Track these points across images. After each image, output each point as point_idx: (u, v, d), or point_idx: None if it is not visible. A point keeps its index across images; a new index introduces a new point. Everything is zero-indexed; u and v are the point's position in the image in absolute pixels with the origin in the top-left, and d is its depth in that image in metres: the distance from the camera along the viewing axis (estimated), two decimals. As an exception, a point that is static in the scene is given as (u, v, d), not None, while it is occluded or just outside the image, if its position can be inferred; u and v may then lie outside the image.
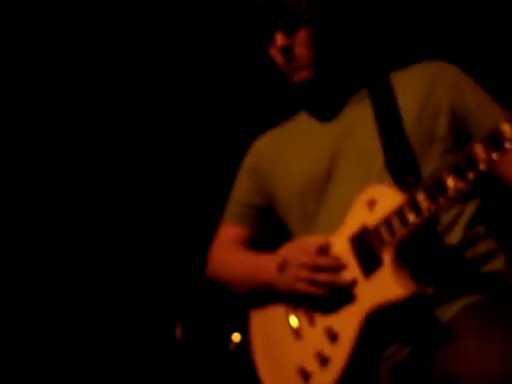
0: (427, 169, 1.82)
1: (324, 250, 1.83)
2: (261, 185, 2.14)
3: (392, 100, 1.90)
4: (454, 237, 1.81)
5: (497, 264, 1.84)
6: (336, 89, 1.97)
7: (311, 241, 1.86)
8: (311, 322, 1.87)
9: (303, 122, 2.09)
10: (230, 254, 2.17)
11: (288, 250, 1.91)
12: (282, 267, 1.88)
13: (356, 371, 1.79)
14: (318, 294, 1.81)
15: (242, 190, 2.20)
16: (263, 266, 1.99)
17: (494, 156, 1.55)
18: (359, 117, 1.94)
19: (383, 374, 1.81)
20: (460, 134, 1.86)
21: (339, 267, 1.79)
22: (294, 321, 1.92)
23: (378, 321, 1.75)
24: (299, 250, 1.86)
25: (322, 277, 1.79)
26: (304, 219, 1.99)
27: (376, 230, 1.73)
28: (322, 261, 1.81)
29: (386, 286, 1.70)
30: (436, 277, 1.77)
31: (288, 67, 1.92)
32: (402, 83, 1.95)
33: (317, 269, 1.80)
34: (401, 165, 1.82)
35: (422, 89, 1.90)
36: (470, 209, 1.85)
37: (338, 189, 1.92)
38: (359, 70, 2.00)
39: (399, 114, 1.87)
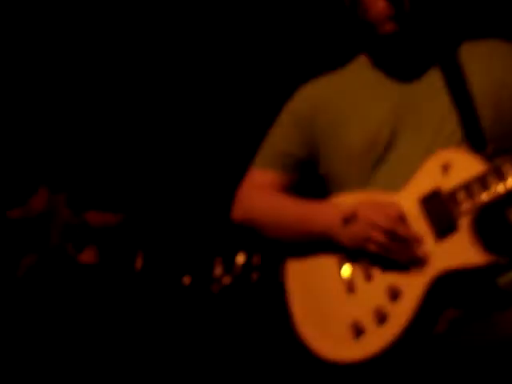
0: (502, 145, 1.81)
1: (402, 218, 1.80)
2: (310, 138, 2.02)
3: (463, 76, 1.86)
4: None
5: None
6: (416, 50, 1.89)
7: (389, 203, 1.82)
8: (368, 277, 1.84)
9: (366, 73, 1.99)
10: (270, 198, 2.04)
11: (361, 206, 1.84)
12: (349, 220, 1.84)
13: (413, 332, 1.78)
14: (388, 257, 1.79)
15: (285, 138, 2.06)
16: (321, 213, 1.92)
17: None
18: (429, 87, 1.89)
19: (438, 326, 1.80)
20: None
21: (416, 241, 1.77)
22: (347, 273, 1.87)
23: (444, 284, 1.75)
24: (377, 209, 1.81)
25: (398, 247, 1.77)
26: (358, 183, 1.93)
27: (453, 194, 1.73)
28: (402, 231, 1.78)
29: (462, 252, 1.71)
30: (509, 248, 1.76)
31: (381, 16, 1.82)
32: (477, 57, 1.91)
33: (394, 237, 1.78)
34: (477, 138, 1.80)
35: (498, 65, 1.88)
36: None
37: (400, 155, 1.88)
38: (436, 40, 1.91)
39: (472, 90, 1.84)
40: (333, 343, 1.86)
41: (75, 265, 3.94)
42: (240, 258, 4.04)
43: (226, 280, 4.00)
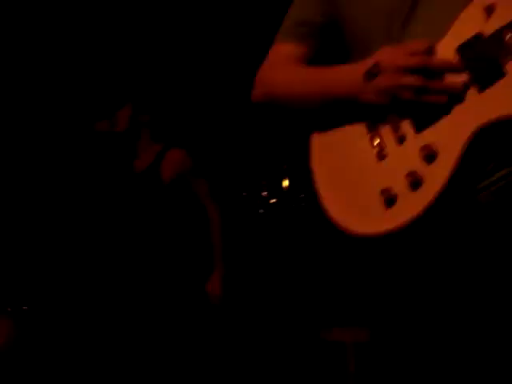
0: None
1: (430, 51, 1.58)
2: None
3: None
4: None
5: None
6: None
7: (414, 43, 1.60)
8: (400, 139, 1.63)
9: None
10: (289, 70, 1.86)
11: (383, 55, 1.62)
12: (372, 75, 1.63)
13: (450, 196, 1.57)
14: (426, 103, 1.56)
15: (303, 6, 1.89)
16: (341, 76, 1.72)
17: None
18: None
19: (482, 197, 1.60)
20: None
21: (454, 71, 1.55)
22: (376, 140, 1.67)
23: (486, 140, 1.53)
24: (400, 52, 1.59)
25: (434, 84, 1.55)
26: (388, 41, 1.70)
27: (498, 36, 1.50)
28: (436, 62, 1.56)
29: (510, 99, 1.49)
30: None
31: None
32: None
33: (427, 73, 1.56)
34: None
35: None
36: None
37: (436, 3, 1.66)
38: None
39: None
40: (362, 215, 1.67)
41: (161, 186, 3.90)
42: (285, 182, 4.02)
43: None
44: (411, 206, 1.59)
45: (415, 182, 1.59)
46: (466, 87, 1.56)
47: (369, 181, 1.68)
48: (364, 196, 1.68)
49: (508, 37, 1.52)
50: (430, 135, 1.60)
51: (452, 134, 1.57)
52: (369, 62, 1.66)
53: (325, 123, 1.79)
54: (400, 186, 1.61)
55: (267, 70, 1.93)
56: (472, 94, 1.56)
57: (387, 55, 1.63)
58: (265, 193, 4.13)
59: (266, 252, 4.27)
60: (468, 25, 1.59)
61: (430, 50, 1.59)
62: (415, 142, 1.62)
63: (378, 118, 1.68)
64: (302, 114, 1.85)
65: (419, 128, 1.62)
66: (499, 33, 1.53)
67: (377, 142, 1.68)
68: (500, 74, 1.52)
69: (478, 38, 1.57)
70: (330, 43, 1.89)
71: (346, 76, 1.72)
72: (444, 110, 1.58)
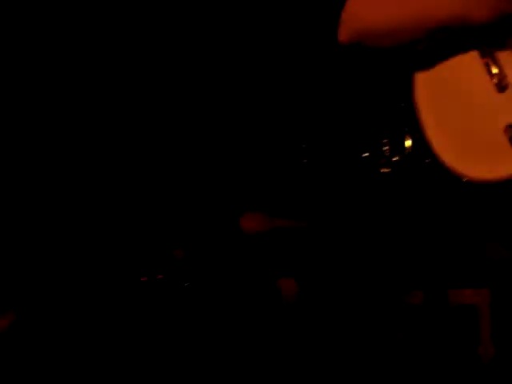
0: None
1: None
2: None
3: None
4: None
5: None
6: None
7: None
8: None
9: None
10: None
11: None
12: None
13: None
14: None
15: None
16: None
17: None
18: None
19: None
20: None
21: None
22: (493, 68, 1.42)
23: None
24: None
25: None
26: None
27: None
28: None
29: None
30: None
31: None
32: None
33: None
34: None
35: None
36: None
37: None
38: None
39: None
40: (483, 158, 1.45)
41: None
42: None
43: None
44: None
45: None
46: None
47: (489, 117, 1.43)
48: (484, 135, 1.44)
49: None
50: None
51: None
52: None
53: (428, 57, 1.54)
54: None
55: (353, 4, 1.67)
56: None
57: None
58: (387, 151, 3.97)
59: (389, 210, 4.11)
60: None
61: None
62: None
63: (494, 41, 1.43)
64: (401, 48, 1.59)
65: None
66: None
67: (495, 70, 1.43)
68: None
69: None
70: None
71: None
72: None
